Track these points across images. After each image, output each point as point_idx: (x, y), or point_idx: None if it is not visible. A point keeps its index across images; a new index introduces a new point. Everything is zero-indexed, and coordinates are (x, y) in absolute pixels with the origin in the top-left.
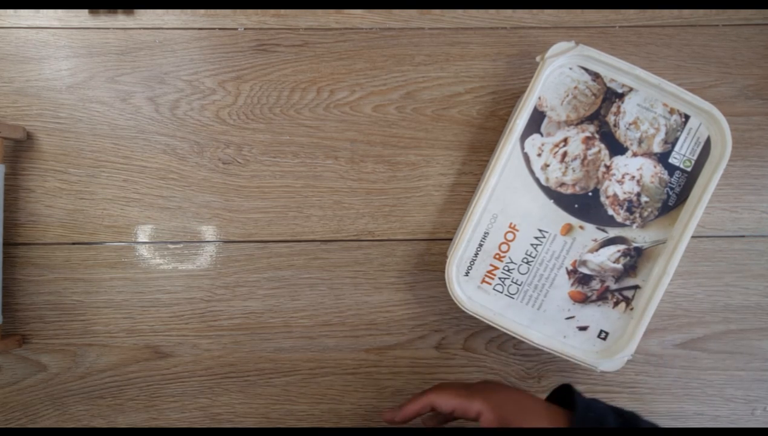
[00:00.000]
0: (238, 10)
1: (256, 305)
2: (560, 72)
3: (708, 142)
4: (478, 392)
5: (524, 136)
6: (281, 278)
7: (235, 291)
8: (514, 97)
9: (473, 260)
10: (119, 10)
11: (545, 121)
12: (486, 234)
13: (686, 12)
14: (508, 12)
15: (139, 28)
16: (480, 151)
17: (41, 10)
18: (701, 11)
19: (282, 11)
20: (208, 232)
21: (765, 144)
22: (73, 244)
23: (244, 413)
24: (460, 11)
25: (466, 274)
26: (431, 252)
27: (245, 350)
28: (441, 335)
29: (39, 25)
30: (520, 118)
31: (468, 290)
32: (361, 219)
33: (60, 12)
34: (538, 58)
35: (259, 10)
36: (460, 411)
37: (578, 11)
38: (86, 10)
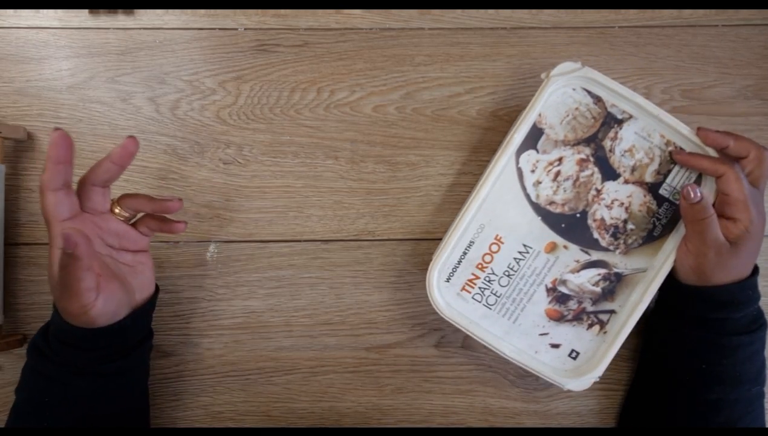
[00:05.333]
0: (239, 10)
1: (256, 305)
2: (563, 91)
3: (699, 178)
4: (755, 207)
5: (520, 151)
6: (282, 278)
7: (235, 290)
8: (514, 97)
9: (456, 267)
10: (119, 10)
11: (543, 138)
12: (471, 243)
13: (686, 12)
14: (508, 12)
15: (139, 28)
16: (479, 151)
17: (41, 10)
18: (701, 11)
19: (282, 11)
20: (209, 232)
21: (764, 144)
22: None
23: (245, 412)
24: (460, 11)
25: (447, 280)
26: (431, 252)
27: (246, 348)
28: (440, 333)
29: (39, 25)
30: (518, 133)
31: (447, 296)
32: (361, 219)
33: (60, 12)
34: (543, 75)
35: (259, 10)
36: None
37: (578, 11)
38: (86, 10)
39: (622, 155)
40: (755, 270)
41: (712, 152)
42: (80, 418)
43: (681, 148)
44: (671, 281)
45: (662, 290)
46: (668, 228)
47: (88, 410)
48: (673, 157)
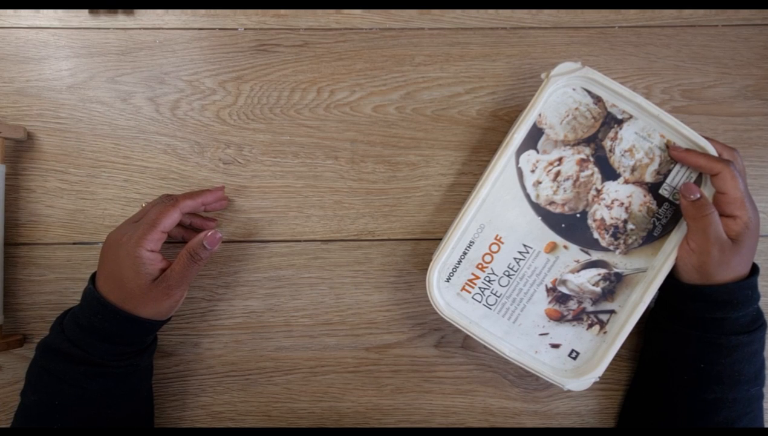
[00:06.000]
0: (238, 10)
1: (256, 305)
2: (563, 91)
3: (699, 178)
4: (750, 203)
5: (520, 151)
6: (282, 278)
7: (236, 290)
8: (514, 97)
9: (456, 267)
10: (119, 10)
11: (543, 138)
12: (471, 243)
13: (686, 12)
14: (508, 12)
15: (139, 28)
16: (479, 151)
17: (41, 10)
18: (701, 11)
19: (282, 11)
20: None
21: (763, 144)
22: (74, 244)
23: (245, 412)
24: (460, 11)
25: (447, 280)
26: (431, 252)
27: (246, 348)
28: (440, 333)
29: (39, 25)
30: (518, 133)
31: (447, 296)
32: (361, 219)
33: (60, 12)
34: (543, 75)
35: (259, 10)
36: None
37: (578, 11)
38: (86, 10)
39: (622, 155)
40: (755, 270)
41: (711, 150)
42: (90, 420)
43: (677, 145)
44: (671, 280)
45: (662, 288)
46: (668, 228)
47: (98, 412)
48: (669, 153)
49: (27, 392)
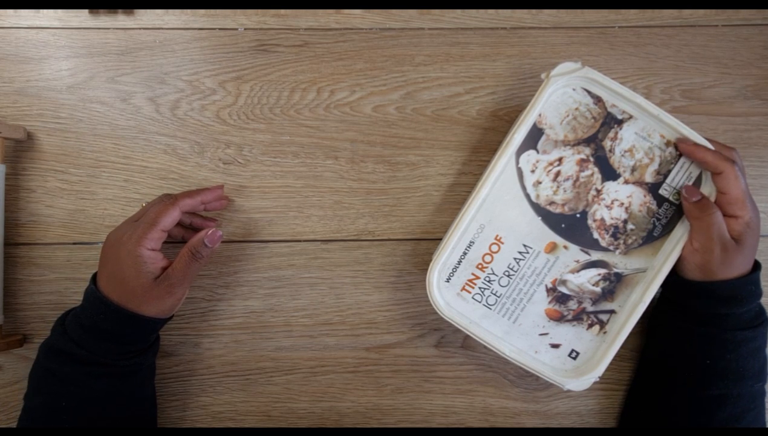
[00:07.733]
0: (238, 10)
1: (256, 305)
2: (563, 91)
3: (699, 178)
4: (750, 203)
5: (520, 151)
6: (282, 278)
7: (235, 290)
8: (514, 97)
9: (456, 267)
10: (119, 10)
11: (543, 138)
12: (471, 243)
13: (686, 12)
14: (508, 12)
15: (139, 28)
16: (479, 151)
17: (41, 10)
18: (701, 11)
19: (282, 11)
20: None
21: (763, 144)
22: (74, 244)
23: (245, 412)
24: (460, 11)
25: (448, 280)
26: (431, 252)
27: (246, 348)
28: (440, 333)
29: (39, 25)
30: (518, 133)
31: (447, 296)
32: (361, 219)
33: (60, 12)
34: (543, 76)
35: (259, 10)
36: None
37: (578, 11)
38: (86, 10)
39: (622, 155)
40: (757, 266)
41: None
42: (95, 420)
43: (686, 139)
44: (674, 277)
45: (665, 286)
46: (668, 228)
47: (103, 412)
48: (677, 146)
49: (31, 395)
